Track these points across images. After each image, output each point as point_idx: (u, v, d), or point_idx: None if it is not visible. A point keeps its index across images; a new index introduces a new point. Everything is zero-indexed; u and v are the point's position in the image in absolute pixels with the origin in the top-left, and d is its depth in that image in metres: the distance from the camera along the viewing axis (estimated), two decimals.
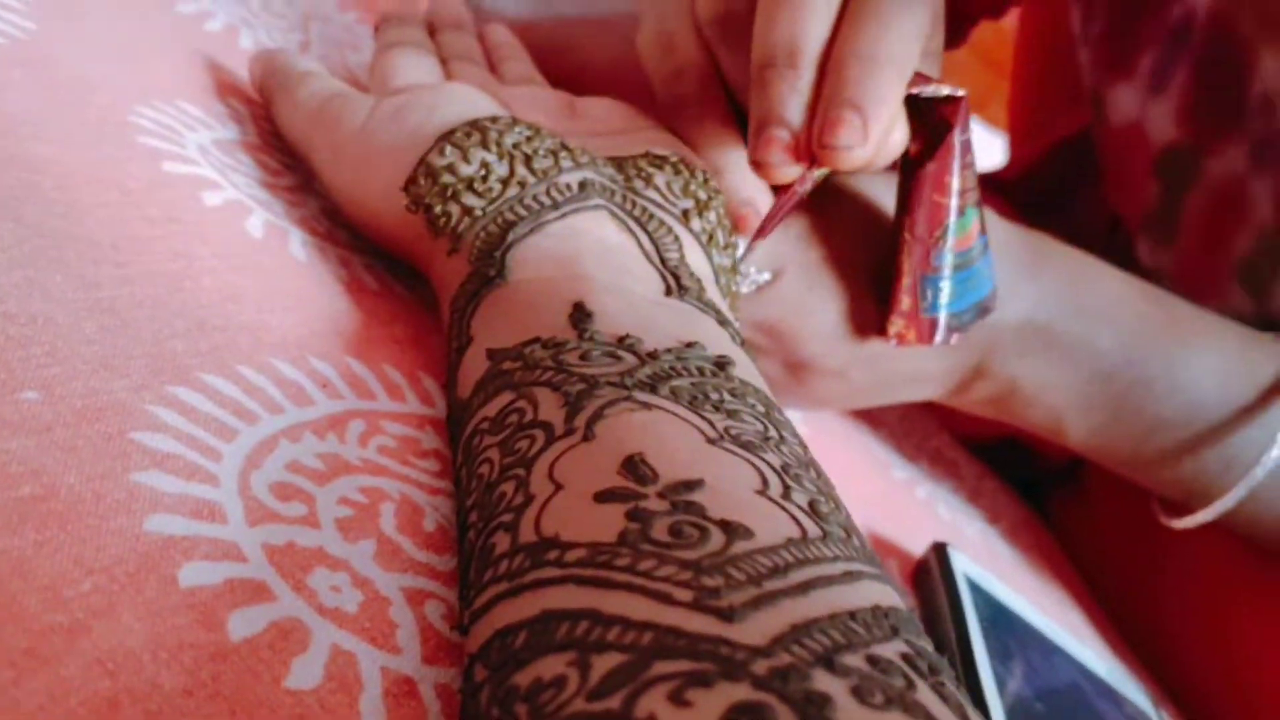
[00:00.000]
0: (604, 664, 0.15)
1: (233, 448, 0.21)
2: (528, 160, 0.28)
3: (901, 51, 0.28)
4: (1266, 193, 0.41)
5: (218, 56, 0.35)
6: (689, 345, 0.23)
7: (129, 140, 0.28)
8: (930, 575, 0.35)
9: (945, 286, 0.33)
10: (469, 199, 0.27)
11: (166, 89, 0.31)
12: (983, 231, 0.33)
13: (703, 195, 0.30)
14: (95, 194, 0.25)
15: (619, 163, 0.30)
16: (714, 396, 0.21)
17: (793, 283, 0.34)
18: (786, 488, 0.19)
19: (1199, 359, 0.37)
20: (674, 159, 0.30)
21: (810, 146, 0.28)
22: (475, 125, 0.28)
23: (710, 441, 0.20)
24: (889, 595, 0.18)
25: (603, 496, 0.18)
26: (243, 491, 0.20)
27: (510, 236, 0.26)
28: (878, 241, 0.34)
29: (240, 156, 0.31)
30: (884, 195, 0.35)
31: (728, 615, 0.15)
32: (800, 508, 0.19)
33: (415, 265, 0.30)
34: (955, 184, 0.31)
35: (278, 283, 0.27)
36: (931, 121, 0.31)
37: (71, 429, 0.19)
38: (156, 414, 0.20)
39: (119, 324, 0.22)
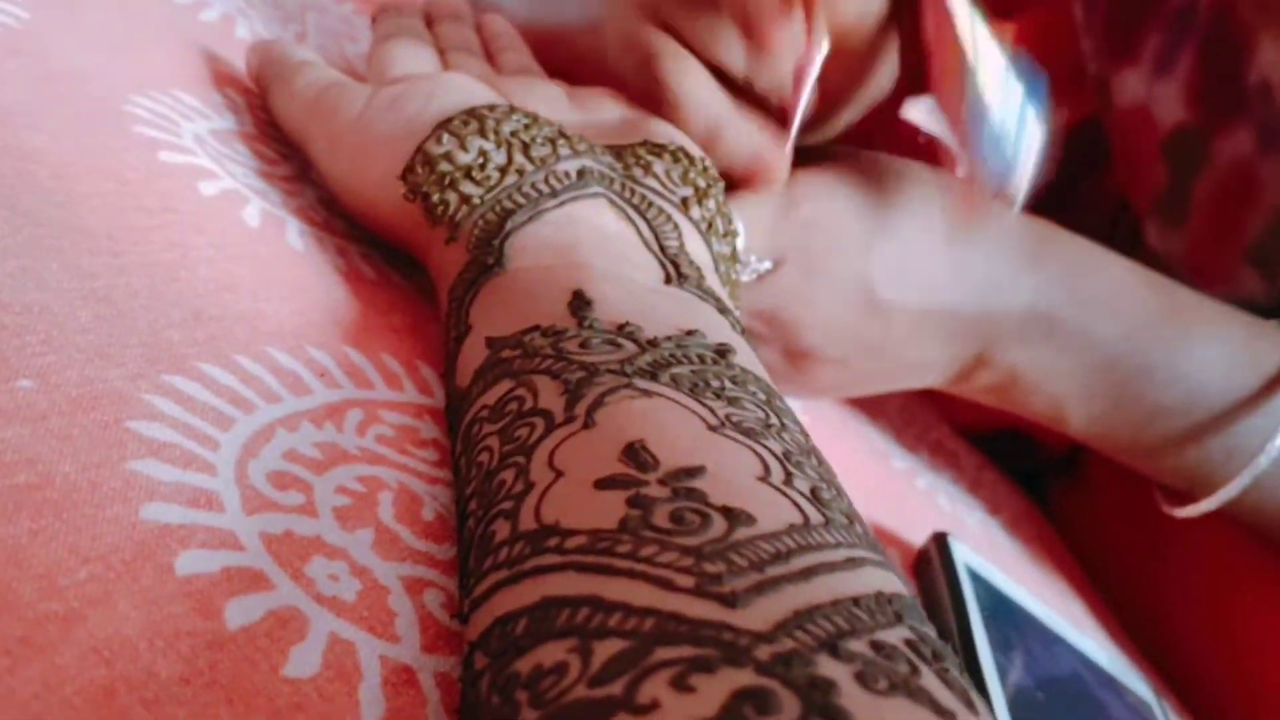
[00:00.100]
0: (605, 650, 0.15)
1: (230, 436, 0.21)
2: (525, 148, 0.27)
3: None
4: (1276, 176, 0.41)
5: (214, 46, 0.35)
6: (689, 333, 0.23)
7: (125, 130, 0.28)
8: (931, 565, 0.34)
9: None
10: (467, 187, 0.27)
11: (162, 78, 0.31)
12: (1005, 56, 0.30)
13: (702, 183, 0.29)
14: (91, 183, 0.25)
15: (618, 151, 0.30)
16: (715, 384, 0.21)
17: (793, 271, 0.34)
18: (788, 474, 0.19)
19: (1202, 347, 0.37)
20: (672, 147, 0.30)
21: None
22: (473, 113, 0.28)
23: (711, 429, 0.20)
24: (892, 581, 0.18)
25: (603, 483, 0.18)
26: (240, 480, 0.20)
27: (508, 225, 0.26)
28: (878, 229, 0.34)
29: (237, 146, 0.31)
30: (884, 182, 0.35)
31: (730, 601, 0.15)
32: (802, 494, 0.18)
33: (412, 254, 0.30)
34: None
35: (274, 272, 0.27)
36: None
37: (67, 417, 0.19)
38: (153, 403, 0.20)
39: (115, 313, 0.22)
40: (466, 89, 0.30)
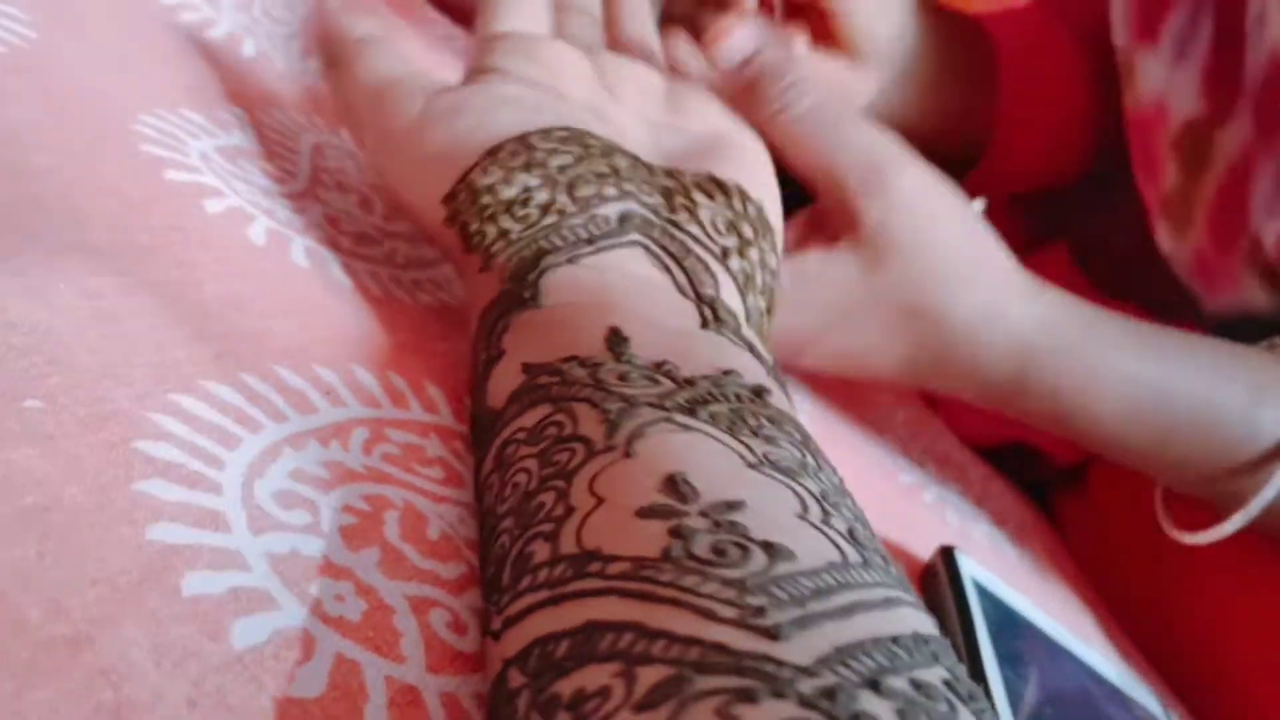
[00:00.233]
0: (649, 677, 0.15)
1: (236, 455, 0.21)
2: (570, 187, 0.27)
3: None
4: (1270, 167, 0.41)
5: (221, 64, 0.35)
6: (726, 373, 0.23)
7: (131, 149, 0.28)
8: (938, 580, 0.34)
9: None
10: (506, 222, 0.27)
11: (169, 96, 0.31)
12: None
13: (748, 232, 0.29)
14: (98, 203, 0.25)
15: (669, 191, 0.29)
16: (752, 423, 0.21)
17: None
18: (826, 513, 0.19)
19: (1225, 382, 0.38)
20: (732, 186, 0.29)
21: None
22: (524, 141, 0.28)
23: (750, 466, 0.20)
24: (927, 623, 0.18)
25: (644, 512, 0.18)
26: (246, 500, 0.20)
27: (542, 264, 0.26)
28: None
29: (243, 163, 0.31)
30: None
31: (773, 634, 0.15)
32: (840, 533, 0.19)
33: (448, 260, 0.29)
34: None
35: (280, 290, 0.27)
36: None
37: (74, 438, 0.19)
38: (159, 422, 0.20)
39: (121, 333, 0.22)
40: (525, 107, 0.29)
